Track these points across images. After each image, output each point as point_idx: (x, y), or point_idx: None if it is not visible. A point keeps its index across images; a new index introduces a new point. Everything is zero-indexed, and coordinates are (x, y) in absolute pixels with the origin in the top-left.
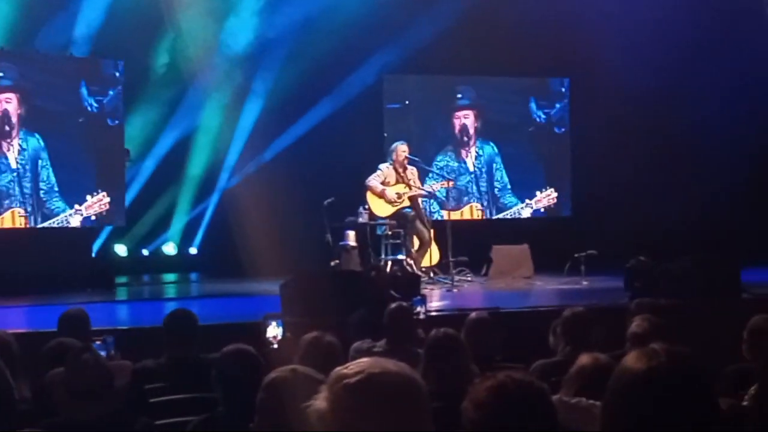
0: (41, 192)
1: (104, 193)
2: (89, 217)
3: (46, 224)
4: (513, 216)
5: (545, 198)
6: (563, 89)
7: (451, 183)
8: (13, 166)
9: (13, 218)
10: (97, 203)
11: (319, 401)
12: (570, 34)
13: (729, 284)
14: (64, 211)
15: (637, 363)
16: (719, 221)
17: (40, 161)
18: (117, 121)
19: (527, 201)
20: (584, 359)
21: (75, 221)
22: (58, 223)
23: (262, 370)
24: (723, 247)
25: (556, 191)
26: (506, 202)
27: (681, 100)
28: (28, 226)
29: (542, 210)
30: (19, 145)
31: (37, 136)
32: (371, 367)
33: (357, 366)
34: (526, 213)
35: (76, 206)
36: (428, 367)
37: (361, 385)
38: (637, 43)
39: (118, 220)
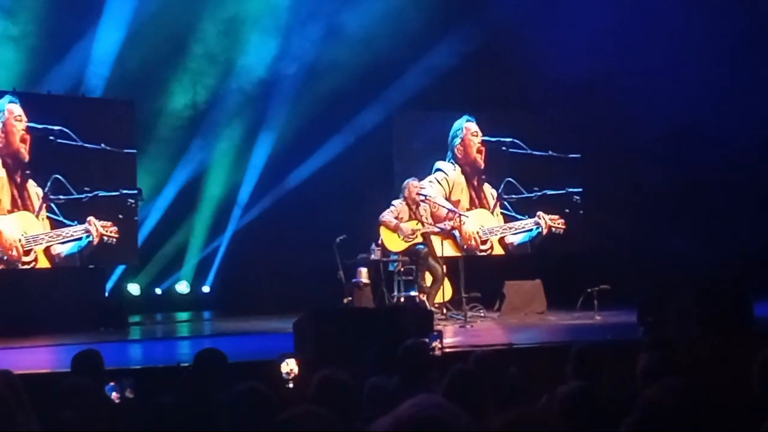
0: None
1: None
2: (104, 239)
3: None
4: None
5: (557, 221)
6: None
7: (462, 219)
8: (35, 204)
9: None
10: (110, 227)
11: None
12: (582, 63)
13: (739, 317)
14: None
15: (658, 397)
16: (734, 255)
17: (57, 201)
18: (130, 161)
19: (540, 214)
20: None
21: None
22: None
23: (275, 409)
24: (735, 279)
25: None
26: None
27: (692, 137)
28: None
29: (554, 231)
30: (38, 185)
31: (58, 176)
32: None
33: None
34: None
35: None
36: None
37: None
38: (653, 79)
39: (130, 259)
